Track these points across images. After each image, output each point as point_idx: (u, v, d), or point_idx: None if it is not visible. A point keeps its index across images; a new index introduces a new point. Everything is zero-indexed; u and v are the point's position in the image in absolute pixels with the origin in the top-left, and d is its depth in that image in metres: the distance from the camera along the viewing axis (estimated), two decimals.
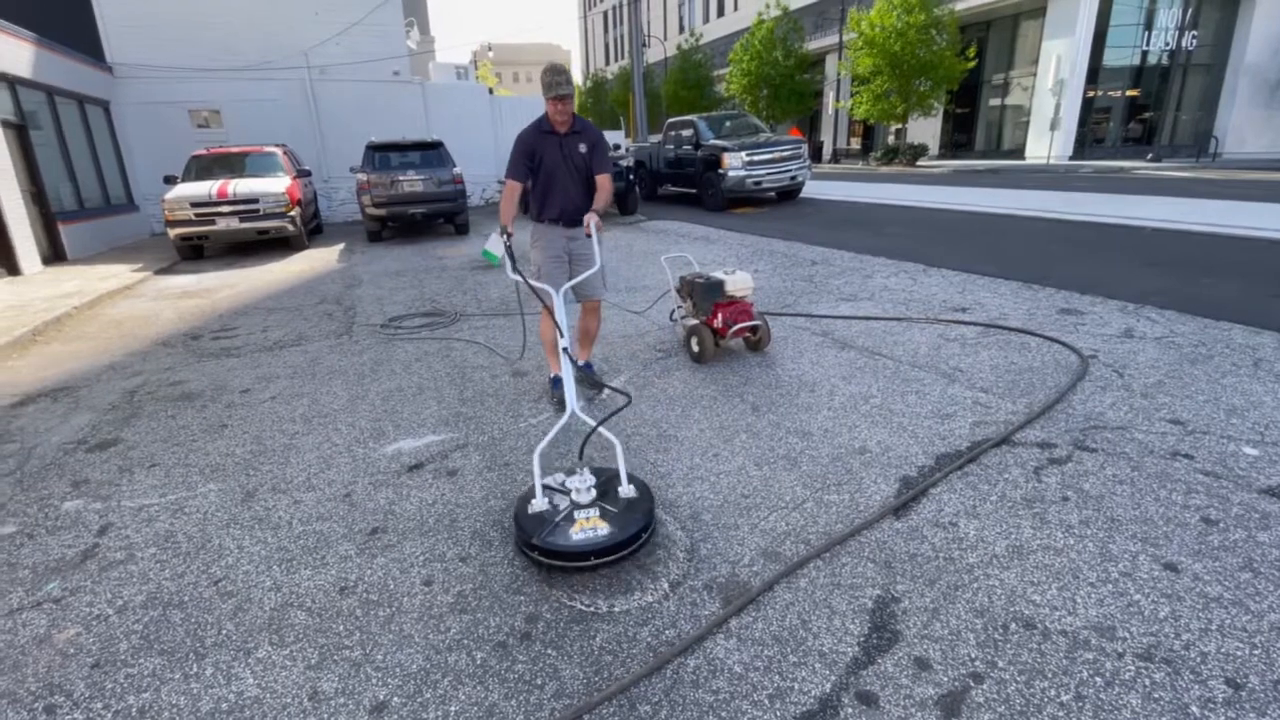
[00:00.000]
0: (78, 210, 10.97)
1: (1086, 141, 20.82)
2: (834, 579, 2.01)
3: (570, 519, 2.18)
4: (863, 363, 3.88)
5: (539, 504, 2.26)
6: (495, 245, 3.04)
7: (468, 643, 1.84)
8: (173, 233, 9.69)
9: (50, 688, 1.77)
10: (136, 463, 3.18)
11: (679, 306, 4.46)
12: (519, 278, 2.99)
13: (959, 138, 25.04)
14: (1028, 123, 21.36)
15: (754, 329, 4.08)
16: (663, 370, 3.99)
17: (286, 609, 2.03)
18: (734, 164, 11.45)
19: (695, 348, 4.04)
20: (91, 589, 2.19)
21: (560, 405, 3.39)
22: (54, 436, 3.57)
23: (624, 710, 1.58)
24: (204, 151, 11.12)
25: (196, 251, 10.14)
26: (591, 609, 1.94)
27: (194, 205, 9.51)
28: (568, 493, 2.30)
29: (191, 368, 4.72)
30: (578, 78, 56.34)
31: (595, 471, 2.42)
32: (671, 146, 13.58)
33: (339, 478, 2.88)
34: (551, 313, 2.91)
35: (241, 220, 9.72)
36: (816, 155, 29.37)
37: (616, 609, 1.94)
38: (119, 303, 7.39)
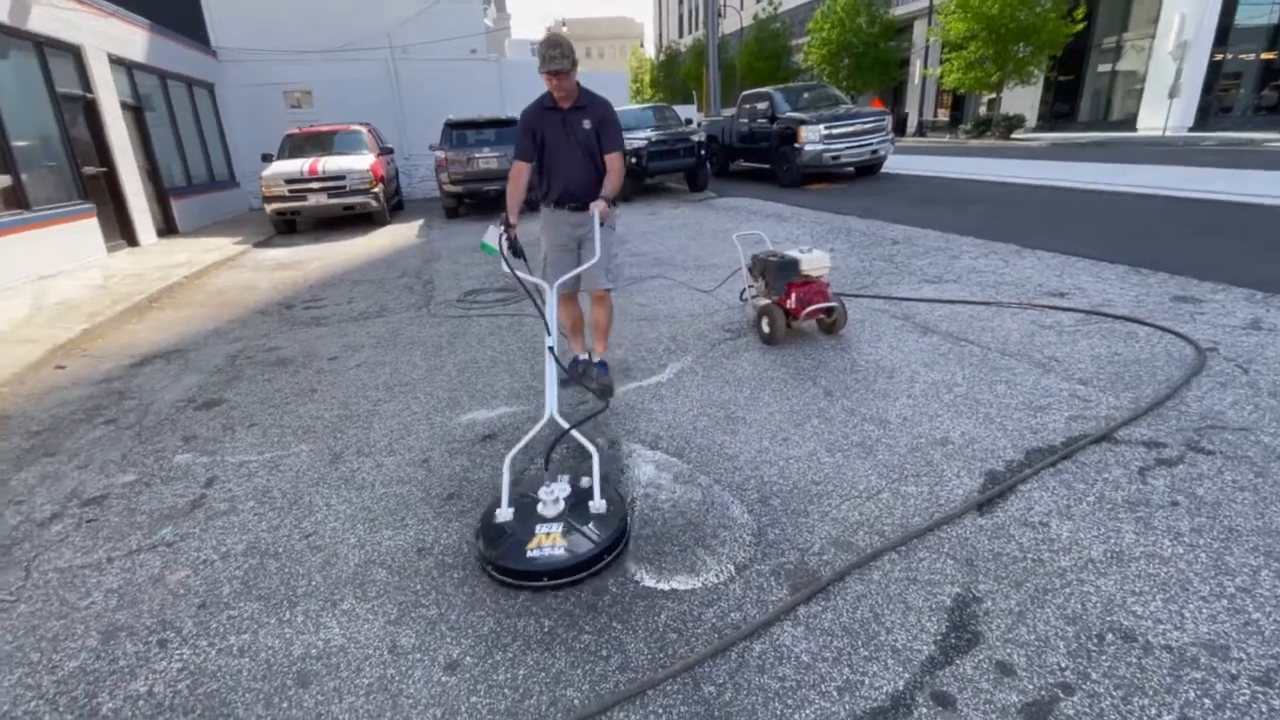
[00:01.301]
0: (186, 186, 11.84)
1: (1211, 111, 18.72)
2: (910, 574, 1.93)
3: (531, 533, 2.05)
4: (947, 348, 3.68)
5: (504, 514, 2.16)
6: (491, 237, 2.85)
7: (536, 610, 1.88)
8: (269, 208, 10.32)
9: (163, 624, 1.95)
10: (238, 421, 3.43)
11: (750, 286, 4.36)
12: (512, 272, 2.78)
13: (1060, 108, 23.09)
14: (1141, 90, 19.42)
15: (829, 310, 3.94)
16: (731, 351, 3.92)
17: (369, 565, 2.15)
18: (811, 137, 11.01)
19: (766, 328, 3.95)
20: (199, 536, 2.39)
21: (599, 392, 3.32)
22: (167, 395, 3.90)
23: (688, 689, 1.58)
24: (296, 130, 11.73)
25: (289, 226, 10.77)
26: (657, 587, 1.95)
27: (288, 182, 10.08)
28: (536, 504, 2.18)
29: (285, 335, 5.03)
30: (650, 50, 55.58)
31: (574, 482, 2.30)
32: (745, 120, 13.20)
33: (417, 444, 3.01)
34: (541, 312, 2.68)
35: (329, 196, 10.23)
36: (900, 128, 27.88)
37: (682, 588, 1.94)
38: (222, 273, 7.96)
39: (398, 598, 1.98)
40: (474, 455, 2.87)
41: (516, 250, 3.00)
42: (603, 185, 3.20)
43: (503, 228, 2.94)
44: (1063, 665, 1.57)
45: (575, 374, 3.47)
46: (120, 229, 9.30)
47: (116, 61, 9.68)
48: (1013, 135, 20.70)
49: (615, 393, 3.42)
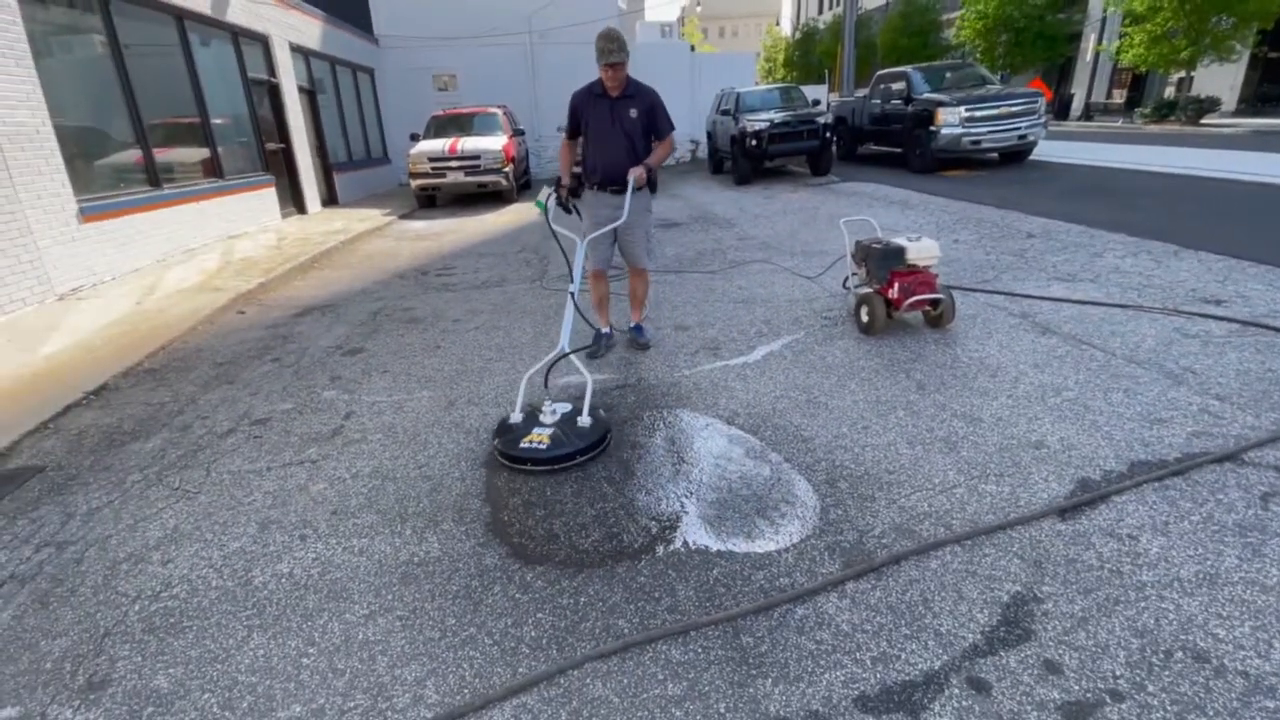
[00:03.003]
0: (347, 162, 13.25)
1: None
2: (970, 566, 1.91)
3: (527, 432, 2.67)
4: (1064, 351, 3.44)
5: (515, 418, 2.81)
6: (543, 195, 3.28)
7: (604, 550, 2.08)
8: (414, 183, 11.33)
9: (304, 522, 2.37)
10: (374, 368, 3.93)
11: (854, 273, 4.28)
12: (550, 226, 3.20)
13: (1269, 90, 19.72)
14: None
15: (935, 302, 3.80)
16: (825, 338, 3.90)
17: (468, 496, 2.46)
18: (949, 120, 10.28)
19: (864, 317, 3.88)
20: (336, 457, 2.84)
21: (593, 355, 3.78)
22: (321, 341, 4.53)
23: (728, 636, 1.71)
24: (441, 112, 12.71)
25: (430, 201, 11.76)
26: (713, 546, 2.08)
27: (431, 160, 11.00)
28: (539, 413, 2.79)
29: (418, 297, 5.61)
30: (786, 29, 53.70)
31: (574, 402, 2.89)
32: (878, 101, 12.55)
33: (519, 400, 3.31)
34: (568, 261, 3.22)
35: (466, 174, 11.04)
36: (1063, 111, 25.13)
37: (737, 550, 2.05)
38: (371, 240, 8.92)
39: (490, 524, 2.27)
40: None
41: (565, 207, 3.50)
42: (650, 157, 3.53)
43: (554, 188, 3.43)
44: (1118, 674, 1.52)
45: (598, 347, 3.86)
46: (293, 198, 10.65)
47: (296, 49, 11.00)
48: (1203, 120, 18.00)
49: (693, 369, 3.55)
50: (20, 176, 5.22)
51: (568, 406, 2.85)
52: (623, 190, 3.49)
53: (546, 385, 3.10)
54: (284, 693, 1.64)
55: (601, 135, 3.52)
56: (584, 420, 2.74)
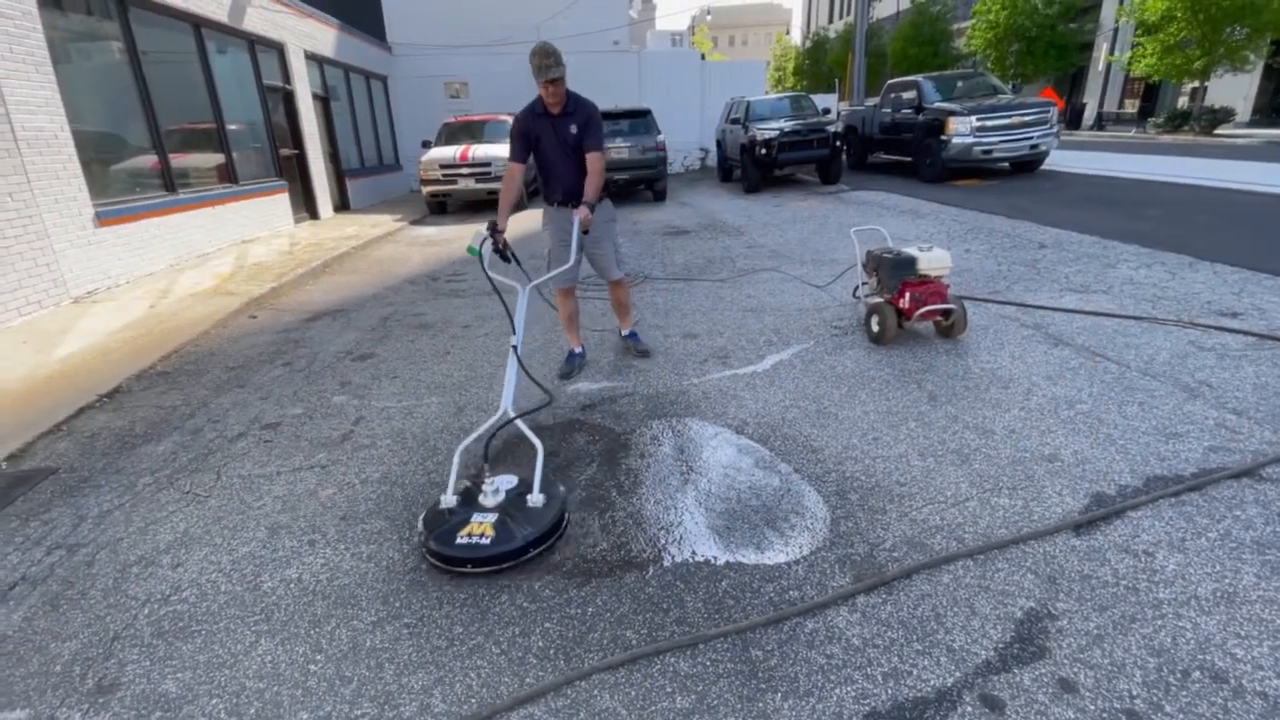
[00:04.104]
0: (359, 168, 13.36)
1: None
2: (983, 582, 1.89)
3: (466, 521, 2.15)
4: (1077, 363, 3.40)
5: (449, 500, 2.26)
6: (475, 240, 2.80)
7: (611, 560, 2.07)
8: (425, 190, 11.40)
9: (313, 528, 2.37)
10: (384, 373, 3.95)
11: (864, 283, 4.26)
12: (487, 275, 2.63)
13: None
14: None
15: (946, 312, 3.77)
16: (835, 347, 3.88)
17: None
18: (960, 129, 10.26)
19: (875, 327, 3.86)
20: (345, 463, 2.84)
21: (565, 376, 3.64)
22: (331, 346, 4.56)
23: (737, 649, 1.69)
24: (452, 119, 12.80)
25: (441, 207, 11.83)
26: (722, 557, 2.07)
27: (442, 166, 11.07)
28: (479, 494, 2.28)
29: (429, 303, 5.63)
30: (796, 38, 53.83)
31: (519, 474, 2.41)
32: (889, 110, 12.55)
33: (528, 406, 3.31)
34: (509, 312, 2.75)
35: (476, 181, 11.10)
36: (1075, 120, 25.02)
37: (746, 562, 2.04)
38: (382, 246, 8.97)
39: None
40: (574, 420, 3.12)
41: (503, 255, 3.07)
42: (585, 187, 3.29)
43: (488, 234, 2.95)
44: (1134, 693, 1.49)
45: (571, 368, 3.74)
46: (305, 203, 10.75)
47: (311, 57, 11.12)
48: (1216, 131, 17.88)
49: (702, 378, 3.54)
50: (38, 181, 5.29)
51: (513, 480, 2.37)
52: (579, 205, 3.27)
53: (487, 458, 2.45)
54: (291, 699, 1.64)
55: (551, 154, 3.41)
56: (535, 499, 2.24)
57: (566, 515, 2.30)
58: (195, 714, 1.61)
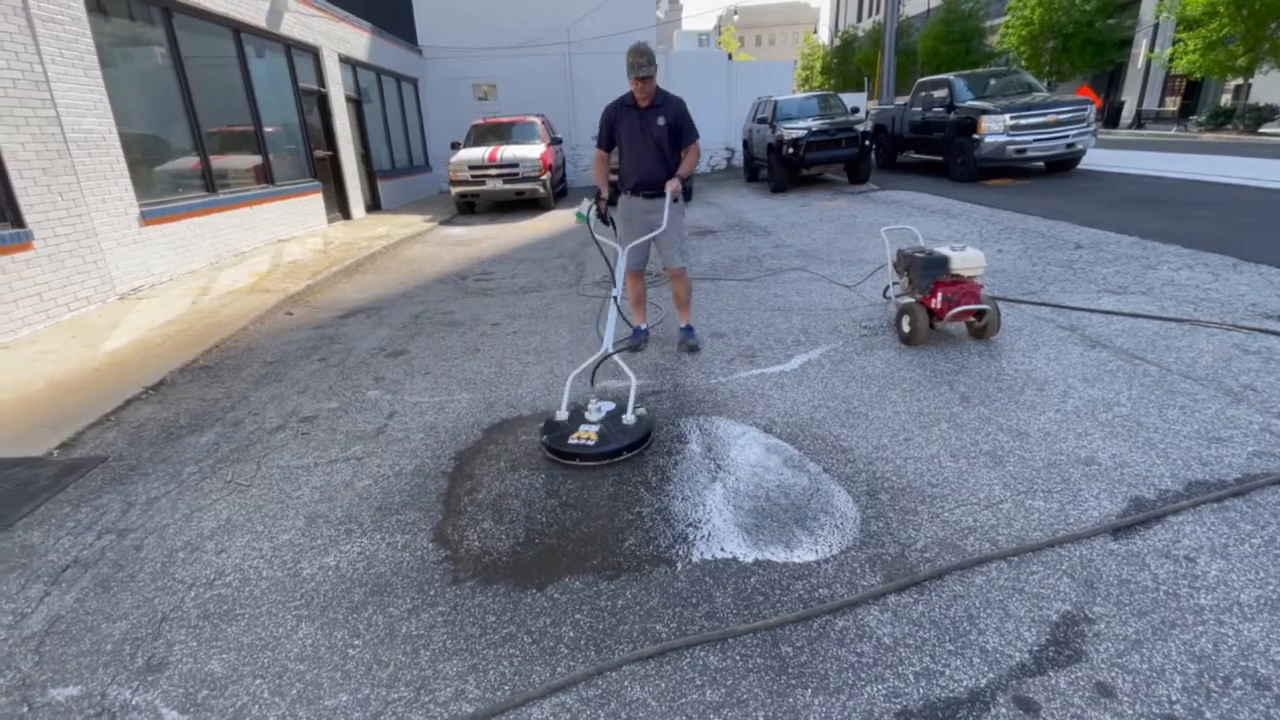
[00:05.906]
0: (390, 169, 13.60)
1: None
2: (1017, 584, 1.86)
3: (575, 430, 2.77)
4: (1115, 365, 3.33)
5: (561, 415, 2.91)
6: (584, 207, 3.39)
7: (640, 555, 2.09)
8: (454, 190, 11.56)
9: (349, 517, 2.43)
10: (416, 369, 4.02)
11: (895, 283, 4.22)
12: (593, 236, 3.31)
13: None
14: None
15: (980, 313, 3.72)
16: (864, 347, 3.85)
17: (505, 496, 2.50)
18: (993, 128, 10.06)
19: (906, 328, 3.82)
20: (380, 455, 2.91)
21: (633, 349, 3.99)
22: (365, 343, 4.66)
23: (767, 645, 1.70)
24: (481, 121, 12.97)
25: (469, 207, 11.99)
26: (750, 555, 2.07)
27: (471, 168, 11.22)
28: (585, 411, 2.89)
29: (458, 301, 5.72)
30: (824, 37, 53.34)
31: (616, 399, 3.01)
32: (919, 109, 12.36)
33: (556, 403, 3.34)
34: (611, 268, 3.42)
35: (504, 182, 11.23)
36: (1113, 119, 24.36)
37: (775, 559, 2.04)
38: (413, 246, 9.13)
39: (527, 524, 2.30)
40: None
41: (605, 218, 3.60)
42: (680, 167, 3.68)
43: (593, 200, 3.49)
44: (1173, 699, 1.47)
45: (636, 341, 4.09)
46: (338, 204, 10.98)
47: (344, 60, 11.36)
48: (1262, 129, 17.26)
49: (729, 377, 3.54)
50: (87, 181, 5.50)
51: (612, 405, 2.95)
52: (654, 194, 3.71)
53: (593, 384, 3.27)
54: (330, 681, 1.69)
55: (634, 144, 3.72)
56: (628, 418, 2.84)
57: (652, 433, 2.85)
58: (240, 693, 1.67)
